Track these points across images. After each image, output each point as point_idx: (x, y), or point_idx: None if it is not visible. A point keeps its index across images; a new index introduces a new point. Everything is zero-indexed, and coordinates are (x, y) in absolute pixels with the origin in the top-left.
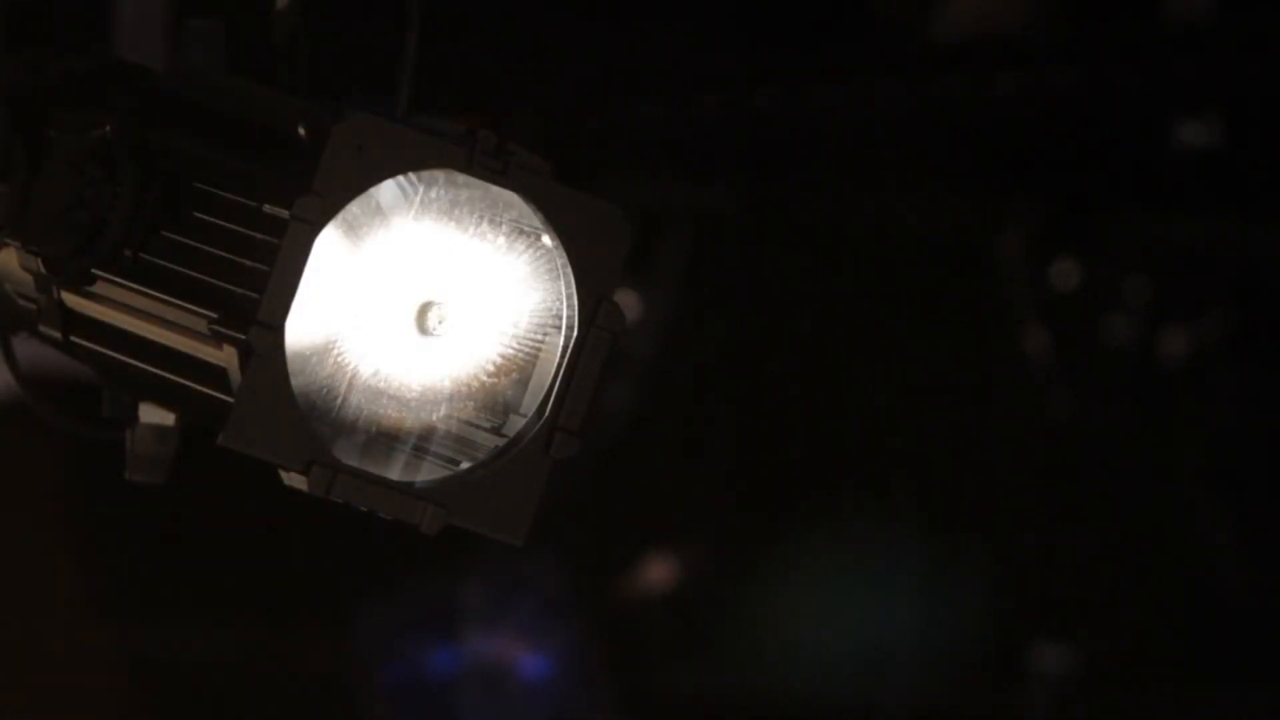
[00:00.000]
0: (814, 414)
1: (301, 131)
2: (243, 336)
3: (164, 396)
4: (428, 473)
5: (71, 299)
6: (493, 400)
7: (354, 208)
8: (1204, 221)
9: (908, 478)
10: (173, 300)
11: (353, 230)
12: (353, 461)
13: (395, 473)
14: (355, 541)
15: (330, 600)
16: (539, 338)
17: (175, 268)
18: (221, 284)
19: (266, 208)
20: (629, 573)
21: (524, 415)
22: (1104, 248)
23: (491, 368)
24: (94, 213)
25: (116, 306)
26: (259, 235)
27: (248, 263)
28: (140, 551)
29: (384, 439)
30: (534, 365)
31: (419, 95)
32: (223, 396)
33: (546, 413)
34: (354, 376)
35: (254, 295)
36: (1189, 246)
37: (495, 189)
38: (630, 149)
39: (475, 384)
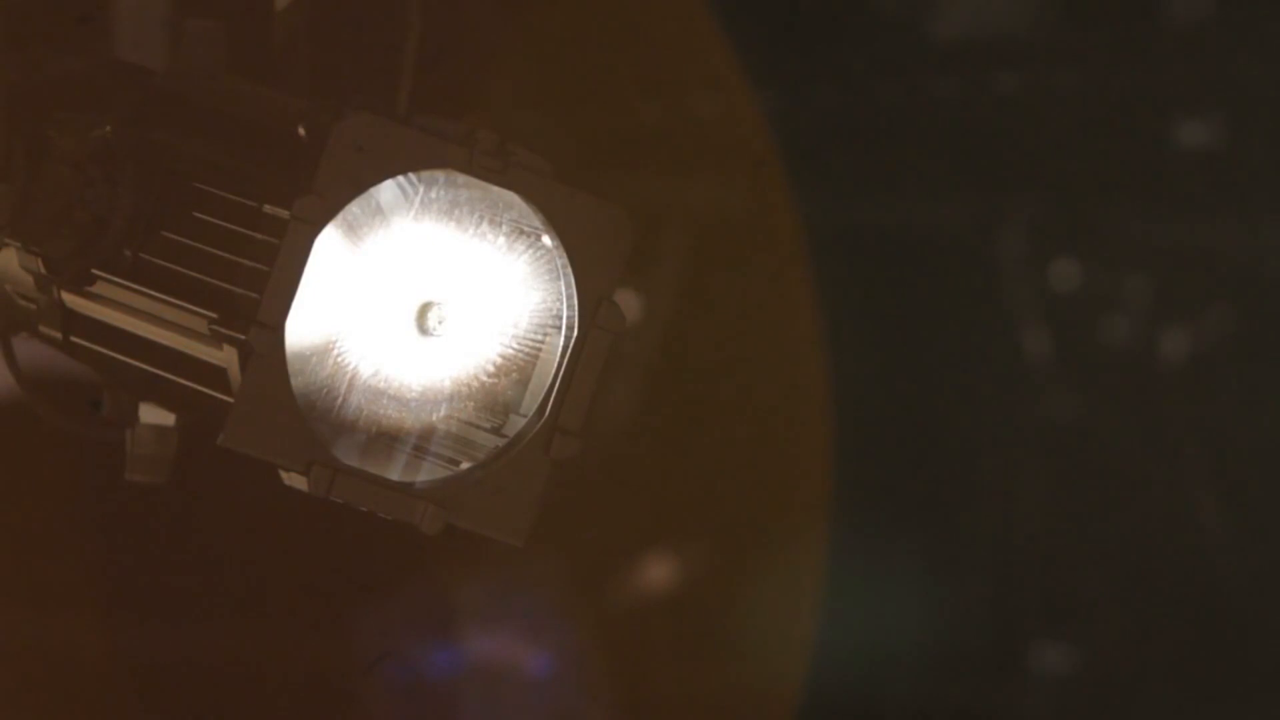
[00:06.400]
0: (813, 413)
1: (301, 131)
2: (243, 336)
3: (164, 396)
4: (428, 473)
5: (71, 299)
6: (493, 400)
7: (354, 208)
8: (1204, 221)
9: (908, 477)
10: (173, 300)
11: (353, 230)
12: (353, 461)
13: (395, 473)
14: (355, 541)
15: (330, 600)
16: (539, 338)
17: (175, 268)
18: (221, 284)
19: (266, 208)
20: (629, 573)
21: (524, 415)
22: (1104, 248)
23: (491, 368)
24: (94, 213)
25: (116, 306)
26: (259, 235)
27: (248, 263)
28: (140, 551)
29: (384, 439)
30: (534, 365)
31: (419, 95)
32: (223, 396)
33: (546, 413)
34: (354, 376)
35: (254, 295)
36: (1189, 246)
37: (495, 189)
38: (630, 149)
39: (475, 384)
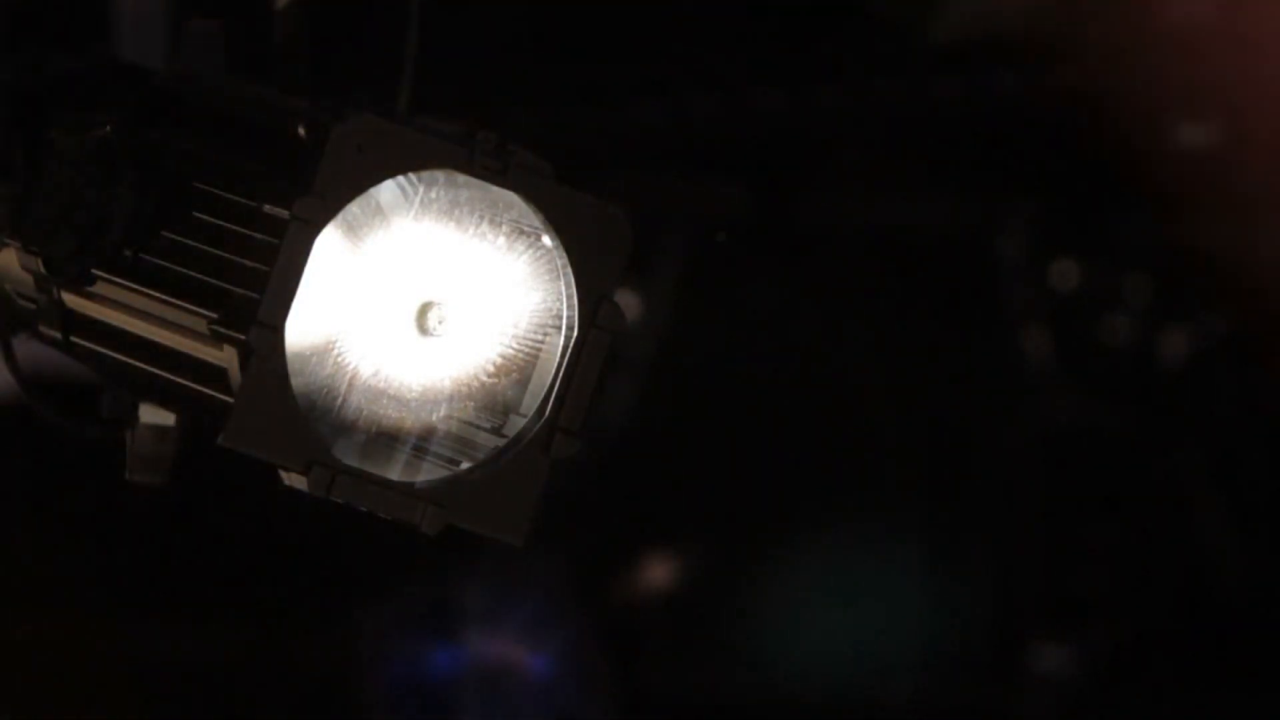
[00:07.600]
0: (814, 414)
1: (301, 131)
2: (243, 336)
3: (164, 396)
4: (428, 473)
5: (71, 299)
6: (493, 400)
7: (354, 208)
8: (1204, 221)
9: (907, 478)
10: (173, 300)
11: (353, 230)
12: (353, 461)
13: (395, 473)
14: (355, 541)
15: (330, 600)
16: (539, 338)
17: (175, 268)
18: (221, 284)
19: (266, 208)
20: (629, 573)
21: (524, 415)
22: (1104, 248)
23: (491, 368)
24: (94, 213)
25: (116, 306)
26: (259, 235)
27: (248, 263)
28: (140, 551)
29: (384, 439)
30: (534, 365)
31: (419, 95)
32: (223, 396)
33: (546, 413)
34: (354, 376)
35: (254, 295)
36: (1189, 246)
37: (495, 189)
38: (630, 149)
39: (475, 384)
